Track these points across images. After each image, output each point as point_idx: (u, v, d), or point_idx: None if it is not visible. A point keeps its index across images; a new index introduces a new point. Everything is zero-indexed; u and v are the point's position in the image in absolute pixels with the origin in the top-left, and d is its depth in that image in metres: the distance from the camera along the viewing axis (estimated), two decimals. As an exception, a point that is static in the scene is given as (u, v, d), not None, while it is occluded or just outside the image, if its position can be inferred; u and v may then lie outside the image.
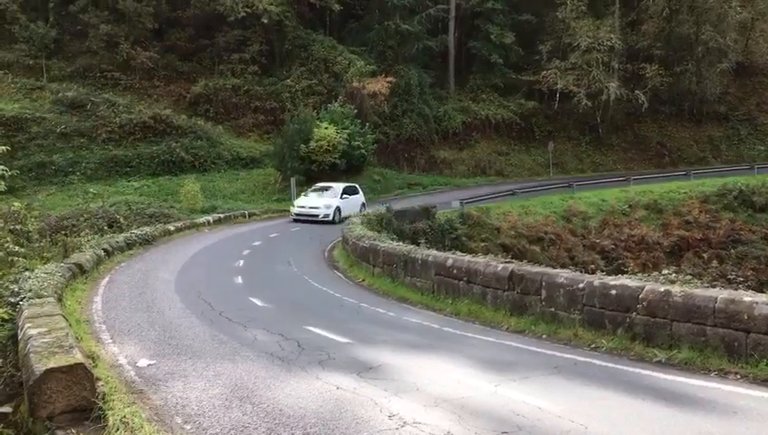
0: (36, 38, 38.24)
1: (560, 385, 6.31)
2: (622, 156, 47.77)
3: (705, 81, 47.08)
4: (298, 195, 30.69)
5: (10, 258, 10.70)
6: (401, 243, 15.95)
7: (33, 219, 13.40)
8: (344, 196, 26.23)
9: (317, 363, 6.75)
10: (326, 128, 32.97)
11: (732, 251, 30.08)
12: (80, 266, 12.05)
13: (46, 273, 9.66)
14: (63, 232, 15.77)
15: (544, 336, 8.67)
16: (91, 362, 5.55)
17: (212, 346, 7.46)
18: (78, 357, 4.88)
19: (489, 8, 45.90)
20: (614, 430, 5.02)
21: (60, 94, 36.04)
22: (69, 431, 4.33)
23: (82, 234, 16.04)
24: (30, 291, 7.89)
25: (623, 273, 13.94)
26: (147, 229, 19.85)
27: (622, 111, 47.36)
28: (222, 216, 25.97)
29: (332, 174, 33.92)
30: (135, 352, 7.02)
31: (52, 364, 4.64)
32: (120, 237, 17.41)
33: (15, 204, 13.89)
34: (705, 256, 29.65)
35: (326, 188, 26.41)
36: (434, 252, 13.31)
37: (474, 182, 40.92)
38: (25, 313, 6.69)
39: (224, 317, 9.27)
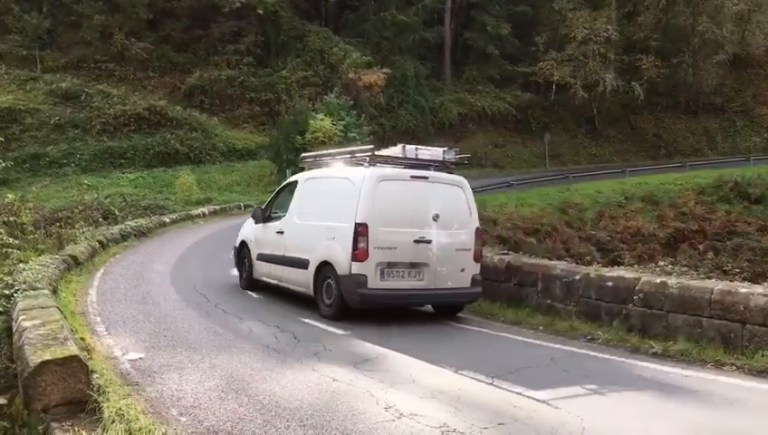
0: (30, 29, 37.99)
1: (556, 377, 6.31)
2: (618, 148, 47.85)
3: (702, 72, 47.14)
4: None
5: (4, 250, 10.65)
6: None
7: (27, 211, 13.32)
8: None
9: (313, 355, 6.74)
10: (322, 119, 32.88)
11: (727, 243, 30.12)
12: (74, 258, 11.99)
13: (41, 265, 9.61)
14: (58, 224, 15.66)
15: (541, 328, 8.67)
16: (85, 354, 5.52)
17: (207, 338, 7.44)
18: (73, 349, 4.85)
19: (485, -1, 45.85)
20: (610, 421, 5.03)
21: (54, 85, 35.86)
22: (64, 424, 4.31)
23: (77, 226, 15.93)
24: (24, 283, 7.84)
25: (619, 264, 13.96)
26: (142, 221, 19.78)
27: (618, 102, 47.42)
28: (217, 208, 25.90)
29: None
30: (130, 344, 6.99)
31: (46, 356, 4.62)
32: (115, 229, 17.33)
33: (9, 196, 13.81)
34: (700, 247, 29.69)
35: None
36: (430, 244, 13.24)
37: (469, 174, 40.87)
38: (20, 305, 6.64)
39: (219, 309, 9.24)
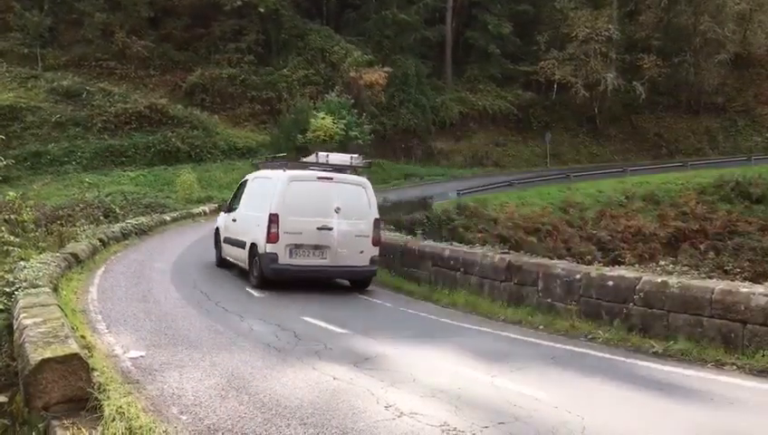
0: (31, 26, 37.94)
1: (556, 376, 6.31)
2: (619, 147, 47.78)
3: (703, 72, 47.06)
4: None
5: (5, 248, 10.63)
6: (398, 233, 15.94)
7: (28, 209, 13.29)
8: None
9: (313, 354, 6.74)
10: (323, 118, 32.84)
11: (728, 242, 30.14)
12: (75, 256, 11.98)
13: (41, 263, 9.59)
14: (59, 222, 15.67)
15: (541, 327, 8.67)
16: (86, 352, 5.52)
17: (208, 337, 7.44)
18: (73, 347, 4.85)
19: (487, -2, 45.76)
20: (611, 420, 5.03)
21: (55, 83, 35.83)
22: (65, 422, 4.30)
23: (78, 224, 15.94)
24: (25, 281, 7.83)
25: (620, 264, 13.97)
26: (142, 219, 19.78)
27: (620, 102, 47.35)
28: (218, 206, 25.88)
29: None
30: (131, 342, 6.99)
31: (47, 354, 4.61)
32: (116, 227, 17.33)
33: (10, 194, 13.80)
34: (701, 247, 29.71)
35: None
36: (431, 243, 13.31)
37: (471, 173, 40.90)
38: (21, 302, 6.64)
39: (220, 307, 9.25)
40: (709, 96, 48.95)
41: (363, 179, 11.85)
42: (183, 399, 5.20)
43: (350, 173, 12.03)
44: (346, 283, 12.12)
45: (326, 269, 11.28)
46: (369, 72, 38.09)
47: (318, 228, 10.98)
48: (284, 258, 10.88)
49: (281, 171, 11.53)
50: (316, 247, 11.04)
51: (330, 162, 12.07)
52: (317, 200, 11.14)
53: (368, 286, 11.85)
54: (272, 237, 10.81)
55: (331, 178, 11.42)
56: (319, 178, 11.37)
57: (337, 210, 11.13)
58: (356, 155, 12.87)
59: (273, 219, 10.82)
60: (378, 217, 11.65)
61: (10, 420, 4.83)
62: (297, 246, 10.95)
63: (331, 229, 11.05)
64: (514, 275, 9.93)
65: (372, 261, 11.49)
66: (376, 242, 11.51)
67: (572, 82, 43.20)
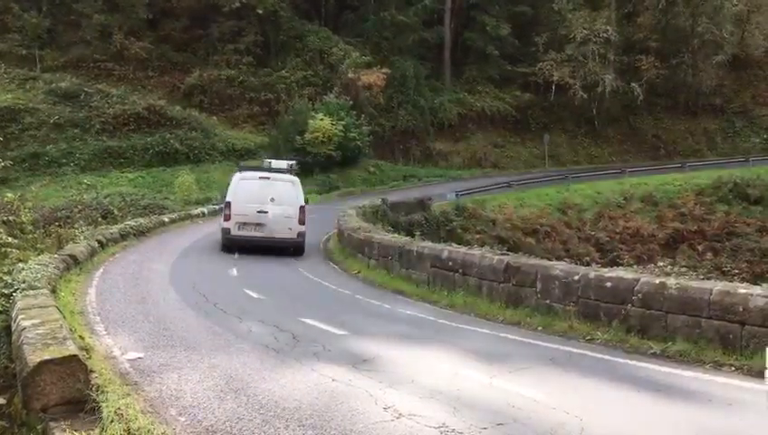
0: (29, 28, 37.94)
1: (555, 377, 6.31)
2: (618, 148, 47.80)
3: (701, 73, 47.08)
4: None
5: (3, 250, 10.61)
6: (397, 235, 15.96)
7: (26, 210, 13.29)
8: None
9: (312, 355, 6.74)
10: (321, 119, 32.89)
11: (726, 244, 30.17)
12: (74, 258, 11.98)
13: (40, 264, 9.58)
14: (57, 223, 15.70)
15: (540, 328, 8.66)
16: (84, 353, 5.51)
17: (207, 338, 7.44)
18: (72, 349, 4.84)
19: (485, -1, 45.74)
20: (609, 421, 5.03)
21: (53, 85, 35.84)
22: (63, 423, 4.30)
23: (76, 225, 15.95)
24: (23, 282, 7.82)
25: (618, 265, 14.00)
26: (141, 221, 19.78)
27: (618, 103, 47.35)
28: (217, 207, 25.86)
29: (328, 166, 33.86)
30: (129, 343, 6.99)
31: (45, 356, 4.60)
32: (115, 229, 17.32)
33: (9, 195, 13.80)
34: (699, 248, 29.74)
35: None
36: (429, 244, 13.31)
37: (469, 174, 40.91)
38: (19, 304, 6.63)
39: (218, 309, 9.24)
40: (707, 97, 48.98)
41: (294, 178, 16.55)
42: (181, 400, 5.19)
43: (291, 174, 16.78)
44: (345, 288, 12.39)
45: (264, 239, 15.70)
46: (368, 73, 38.11)
47: (257, 212, 15.60)
48: (235, 232, 15.70)
49: (237, 172, 16.62)
50: (257, 225, 15.68)
51: (272, 166, 17.83)
52: (258, 192, 15.79)
53: (301, 254, 16.12)
54: (226, 217, 15.78)
55: (269, 178, 16.31)
56: (260, 177, 16.37)
57: (272, 199, 15.75)
58: (293, 161, 19.26)
59: (227, 205, 15.73)
60: (303, 204, 16.02)
61: (8, 421, 4.82)
62: (244, 224, 15.68)
63: (266, 212, 15.61)
64: (513, 276, 9.92)
65: (299, 235, 15.95)
66: (301, 222, 15.89)
67: (571, 83, 43.23)
